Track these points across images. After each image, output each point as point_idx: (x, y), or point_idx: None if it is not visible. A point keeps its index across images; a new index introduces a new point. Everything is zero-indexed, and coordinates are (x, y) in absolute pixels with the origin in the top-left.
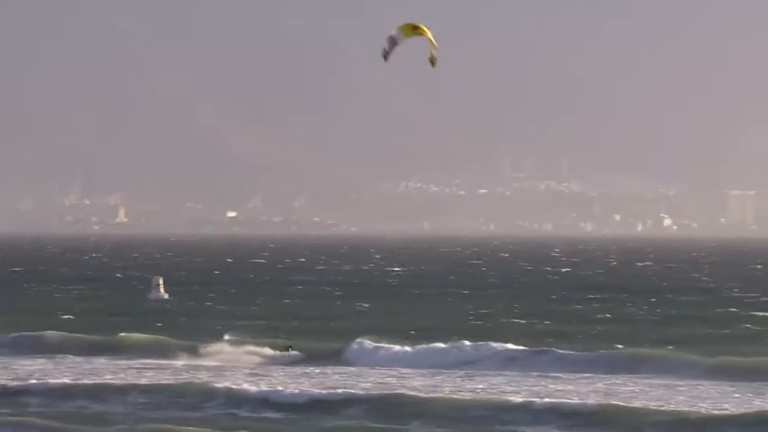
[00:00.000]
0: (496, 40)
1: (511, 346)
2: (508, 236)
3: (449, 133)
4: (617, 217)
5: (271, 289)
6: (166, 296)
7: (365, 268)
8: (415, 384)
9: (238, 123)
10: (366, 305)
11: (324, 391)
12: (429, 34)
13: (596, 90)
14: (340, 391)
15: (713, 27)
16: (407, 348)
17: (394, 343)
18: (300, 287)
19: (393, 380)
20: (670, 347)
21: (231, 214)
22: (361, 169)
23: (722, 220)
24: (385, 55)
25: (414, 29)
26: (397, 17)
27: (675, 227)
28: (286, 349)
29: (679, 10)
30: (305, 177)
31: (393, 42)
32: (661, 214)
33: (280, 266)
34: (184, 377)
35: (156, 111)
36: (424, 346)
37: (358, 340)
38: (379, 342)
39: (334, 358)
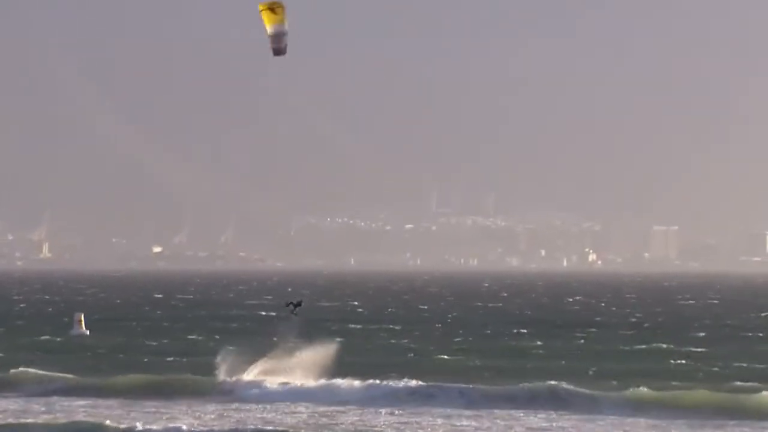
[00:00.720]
0: (424, 76)
1: (413, 382)
2: (435, 271)
3: (376, 169)
4: (543, 252)
5: (199, 324)
6: (87, 332)
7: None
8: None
9: (165, 158)
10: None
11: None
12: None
13: (522, 126)
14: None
15: (636, 65)
16: (307, 383)
17: (302, 379)
18: (233, 324)
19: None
20: (596, 380)
21: (156, 249)
22: (288, 203)
23: (646, 254)
24: (277, 52)
25: (272, 11)
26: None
27: (599, 262)
28: (296, 306)
29: (609, 46)
30: (232, 211)
31: (276, 38)
32: (586, 249)
33: (208, 301)
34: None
35: (80, 145)
36: (323, 382)
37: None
38: (287, 378)
39: (218, 392)
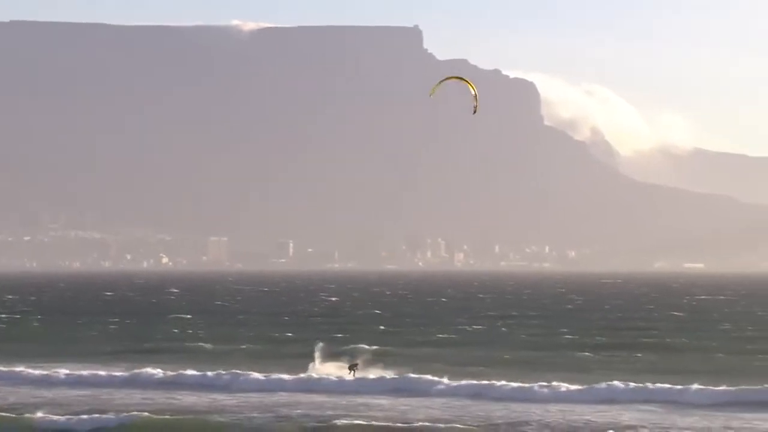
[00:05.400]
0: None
1: None
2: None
3: None
4: (128, 257)
5: None
6: None
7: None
8: None
9: None
10: None
11: None
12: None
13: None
14: None
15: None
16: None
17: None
18: None
19: None
20: None
21: None
22: None
23: (204, 258)
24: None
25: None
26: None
27: (171, 263)
28: (353, 367)
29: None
30: None
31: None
32: (161, 254)
33: None
34: None
35: None
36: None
37: None
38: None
39: None
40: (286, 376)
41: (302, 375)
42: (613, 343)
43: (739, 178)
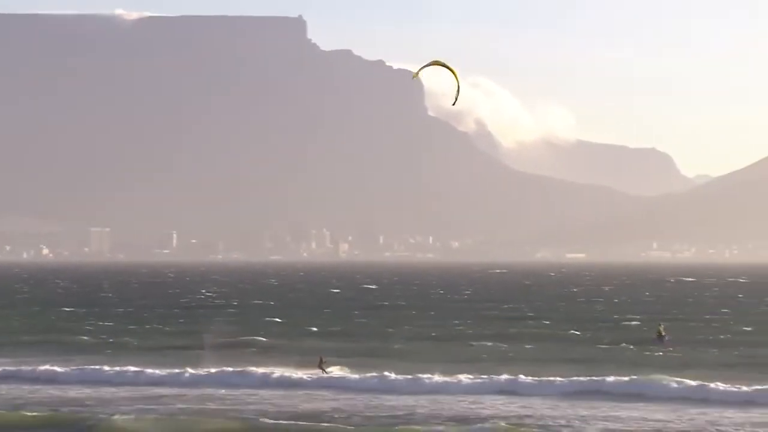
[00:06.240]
0: None
1: None
2: None
3: None
4: (8, 248)
5: None
6: None
7: None
8: None
9: None
10: None
11: None
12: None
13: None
14: None
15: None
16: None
17: None
18: None
19: None
20: None
21: None
22: None
23: (86, 249)
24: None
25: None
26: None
27: (51, 255)
28: (322, 364)
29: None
30: None
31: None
32: (41, 246)
33: None
34: None
35: None
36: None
37: None
38: None
39: None
40: (159, 372)
41: (176, 370)
42: (503, 333)
43: (619, 169)
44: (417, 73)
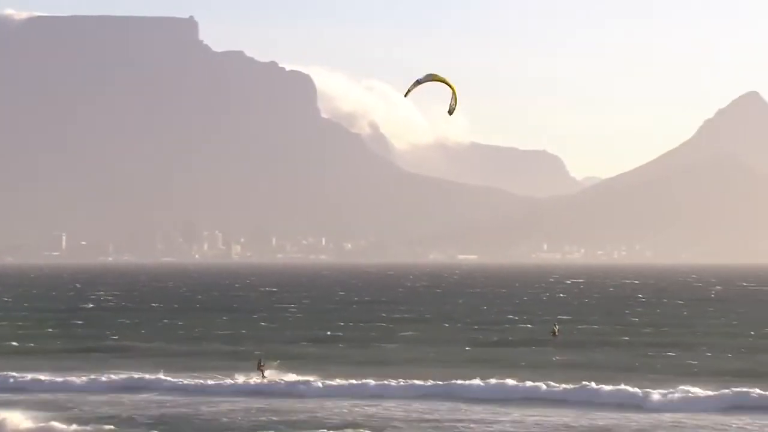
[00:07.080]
0: None
1: None
2: None
3: None
4: None
5: None
6: None
7: None
8: None
9: None
10: None
11: None
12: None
13: None
14: None
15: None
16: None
17: None
18: None
19: None
20: None
21: None
22: None
23: None
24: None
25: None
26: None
27: None
28: (261, 366)
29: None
30: None
31: (417, 83)
32: None
33: None
34: None
35: None
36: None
37: None
38: None
39: None
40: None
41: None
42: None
43: (511, 170)
44: (411, 89)
